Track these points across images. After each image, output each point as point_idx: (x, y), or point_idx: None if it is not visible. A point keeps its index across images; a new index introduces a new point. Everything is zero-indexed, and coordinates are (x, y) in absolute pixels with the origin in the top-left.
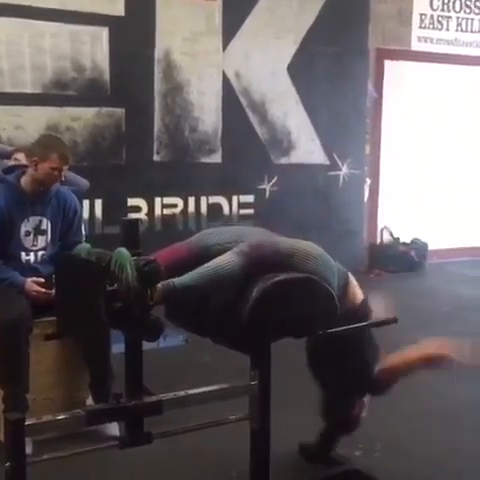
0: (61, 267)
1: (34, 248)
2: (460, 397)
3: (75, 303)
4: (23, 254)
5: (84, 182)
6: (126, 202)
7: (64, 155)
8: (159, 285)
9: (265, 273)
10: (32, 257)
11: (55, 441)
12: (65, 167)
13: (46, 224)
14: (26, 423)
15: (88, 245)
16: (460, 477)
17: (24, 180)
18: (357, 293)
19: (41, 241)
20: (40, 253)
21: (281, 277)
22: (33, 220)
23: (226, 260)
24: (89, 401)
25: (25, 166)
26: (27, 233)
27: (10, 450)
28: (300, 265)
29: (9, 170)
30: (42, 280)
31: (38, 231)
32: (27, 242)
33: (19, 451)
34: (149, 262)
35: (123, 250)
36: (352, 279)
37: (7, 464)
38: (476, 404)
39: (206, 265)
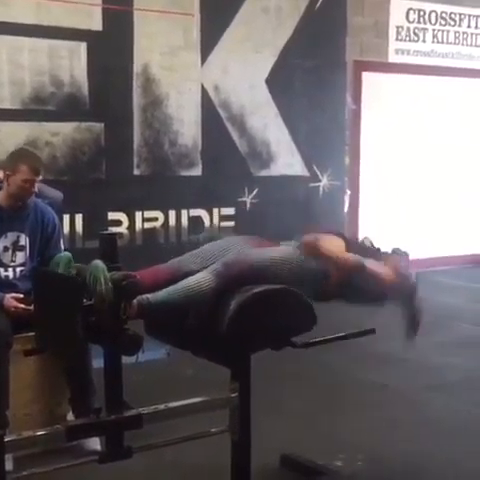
0: (39, 283)
1: (12, 264)
2: (440, 406)
3: (53, 318)
4: (1, 270)
5: (58, 194)
6: (107, 216)
7: (34, 166)
8: (134, 300)
9: (240, 288)
10: (11, 273)
11: (35, 457)
12: (37, 178)
13: (24, 240)
14: (6, 439)
15: (69, 254)
16: None
17: (0, 196)
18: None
19: (20, 257)
20: (19, 269)
21: (258, 289)
22: (11, 236)
23: (200, 279)
24: (70, 416)
25: (1, 182)
26: (5, 249)
27: None
28: (278, 272)
29: None
30: (21, 296)
31: (16, 247)
32: (5, 258)
33: None
34: (127, 276)
35: (98, 262)
36: None
37: None
38: (457, 413)
39: (181, 283)
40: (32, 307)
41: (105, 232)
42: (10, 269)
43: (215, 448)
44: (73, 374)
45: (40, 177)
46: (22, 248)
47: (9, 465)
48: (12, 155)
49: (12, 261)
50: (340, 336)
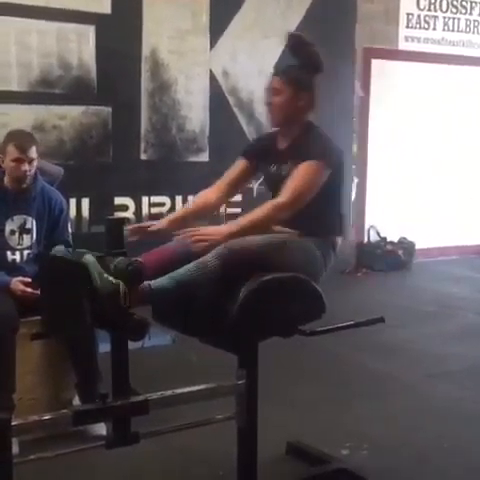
0: (45, 267)
1: (19, 247)
2: (445, 395)
3: (60, 303)
4: (9, 253)
5: (57, 169)
6: (113, 201)
7: (19, 145)
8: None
9: (245, 273)
10: (18, 256)
11: (42, 441)
12: (26, 156)
13: (31, 223)
14: (12, 423)
15: (63, 247)
16: (446, 473)
17: (6, 179)
18: None
19: (27, 240)
20: (26, 252)
21: (268, 277)
22: (17, 219)
23: (203, 263)
24: (76, 401)
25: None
26: (12, 232)
27: None
28: (278, 258)
29: None
30: (29, 280)
31: (23, 230)
32: (12, 241)
33: (5, 451)
34: (131, 263)
35: (87, 258)
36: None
37: None
38: (461, 401)
39: (184, 267)
40: (39, 291)
41: (111, 217)
42: (17, 252)
43: (222, 435)
44: (79, 359)
45: (32, 155)
46: (29, 231)
47: (15, 449)
48: (3, 138)
49: (19, 244)
50: (349, 324)
